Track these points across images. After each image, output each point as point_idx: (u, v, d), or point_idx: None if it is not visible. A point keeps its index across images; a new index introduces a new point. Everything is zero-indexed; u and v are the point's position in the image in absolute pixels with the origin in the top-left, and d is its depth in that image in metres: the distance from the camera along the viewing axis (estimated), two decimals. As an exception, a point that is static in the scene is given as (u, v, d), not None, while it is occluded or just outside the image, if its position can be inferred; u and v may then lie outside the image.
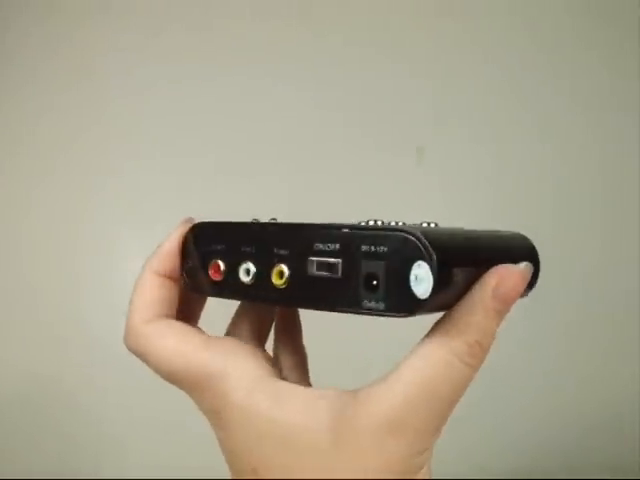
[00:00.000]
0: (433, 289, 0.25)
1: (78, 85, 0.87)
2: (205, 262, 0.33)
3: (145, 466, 0.82)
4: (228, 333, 0.35)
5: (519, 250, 0.32)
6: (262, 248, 0.31)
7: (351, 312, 0.28)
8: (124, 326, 0.33)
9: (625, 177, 0.86)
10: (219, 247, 0.33)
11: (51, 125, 0.87)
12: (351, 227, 0.28)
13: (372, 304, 0.27)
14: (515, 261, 0.28)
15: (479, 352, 0.27)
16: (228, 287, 0.32)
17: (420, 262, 0.25)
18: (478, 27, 0.86)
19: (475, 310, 0.27)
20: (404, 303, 0.26)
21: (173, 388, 0.32)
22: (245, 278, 0.31)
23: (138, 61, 0.88)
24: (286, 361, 0.35)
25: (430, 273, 0.25)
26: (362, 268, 0.27)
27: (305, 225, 0.29)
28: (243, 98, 0.87)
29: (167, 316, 0.33)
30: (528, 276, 0.27)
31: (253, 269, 0.31)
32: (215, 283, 0.33)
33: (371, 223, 0.28)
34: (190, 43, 0.87)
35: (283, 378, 0.33)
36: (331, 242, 0.28)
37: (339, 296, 0.28)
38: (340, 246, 0.28)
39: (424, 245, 0.25)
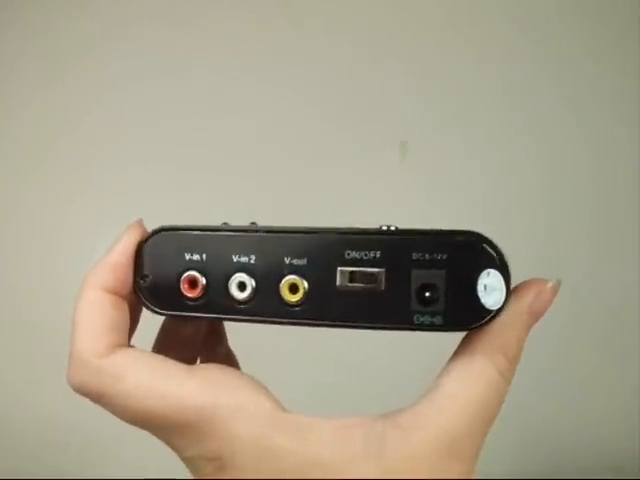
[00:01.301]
0: (506, 299, 0.23)
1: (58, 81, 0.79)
2: (175, 276, 0.26)
3: (130, 466, 0.75)
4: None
5: None
6: (266, 257, 0.26)
7: (396, 329, 0.24)
8: (68, 362, 0.25)
9: (618, 173, 0.84)
10: (195, 257, 0.26)
11: (33, 124, 0.80)
12: (395, 232, 0.24)
13: (426, 319, 0.24)
14: None
15: (515, 366, 0.26)
16: (211, 305, 0.26)
17: (490, 270, 0.23)
18: (464, 19, 0.84)
19: (514, 324, 0.25)
20: (471, 316, 0.23)
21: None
22: (239, 294, 0.26)
23: (110, 56, 0.79)
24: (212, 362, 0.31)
25: (503, 282, 0.23)
26: (413, 278, 0.24)
27: (330, 230, 0.25)
28: (217, 93, 0.80)
29: (125, 344, 0.26)
30: (558, 291, 0.27)
31: (251, 283, 0.26)
32: (191, 300, 0.26)
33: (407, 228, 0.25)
34: (165, 36, 0.79)
35: None
36: (369, 249, 0.24)
37: (381, 311, 0.24)
38: (382, 253, 0.24)
39: (496, 251, 0.23)
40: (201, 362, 0.32)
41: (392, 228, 0.25)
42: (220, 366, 0.26)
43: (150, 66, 0.79)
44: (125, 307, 0.27)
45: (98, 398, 0.25)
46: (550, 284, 0.26)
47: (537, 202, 0.83)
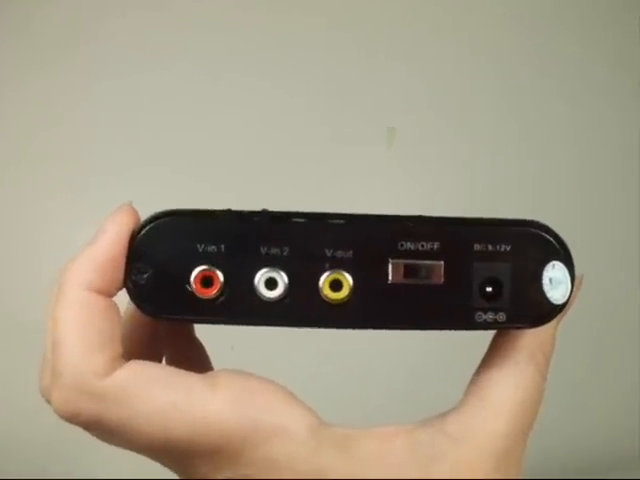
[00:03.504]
0: (571, 292, 0.22)
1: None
2: (184, 270, 0.22)
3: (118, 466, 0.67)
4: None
5: None
6: (303, 249, 0.22)
7: (456, 328, 0.22)
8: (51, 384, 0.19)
9: (616, 170, 0.82)
10: (211, 248, 0.22)
11: (12, 112, 0.73)
12: (455, 221, 0.22)
13: (489, 316, 0.22)
14: None
15: (549, 365, 0.25)
16: (233, 307, 0.22)
17: (555, 262, 0.22)
18: (452, 4, 0.80)
19: (552, 322, 0.25)
20: (537, 312, 0.22)
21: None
22: (268, 292, 0.22)
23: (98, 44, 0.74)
24: (182, 357, 0.28)
25: (568, 275, 0.22)
26: (475, 272, 0.22)
27: (381, 217, 0.22)
28: (201, 84, 0.74)
29: (123, 357, 0.21)
30: (581, 287, 0.27)
31: (283, 279, 0.22)
32: (205, 302, 0.22)
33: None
34: (150, 26, 0.74)
35: None
36: (427, 239, 0.22)
37: (440, 310, 0.22)
38: (441, 244, 0.22)
39: (560, 242, 0.22)
40: (167, 355, 0.28)
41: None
42: (241, 373, 0.22)
43: (136, 58, 0.74)
44: (117, 311, 0.21)
45: (102, 429, 0.19)
46: (579, 278, 0.26)
47: (529, 192, 0.80)
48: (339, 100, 0.78)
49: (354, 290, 0.22)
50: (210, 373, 0.22)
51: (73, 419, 0.19)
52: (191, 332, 0.29)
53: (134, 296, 0.21)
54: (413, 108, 0.79)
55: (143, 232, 0.22)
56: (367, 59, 0.79)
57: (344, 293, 0.22)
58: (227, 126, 0.75)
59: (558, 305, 0.22)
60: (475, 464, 0.22)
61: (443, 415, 0.23)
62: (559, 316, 0.24)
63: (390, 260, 0.22)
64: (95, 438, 0.21)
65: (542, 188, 0.80)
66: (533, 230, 0.22)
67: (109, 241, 0.21)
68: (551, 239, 0.22)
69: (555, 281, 0.22)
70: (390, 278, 0.22)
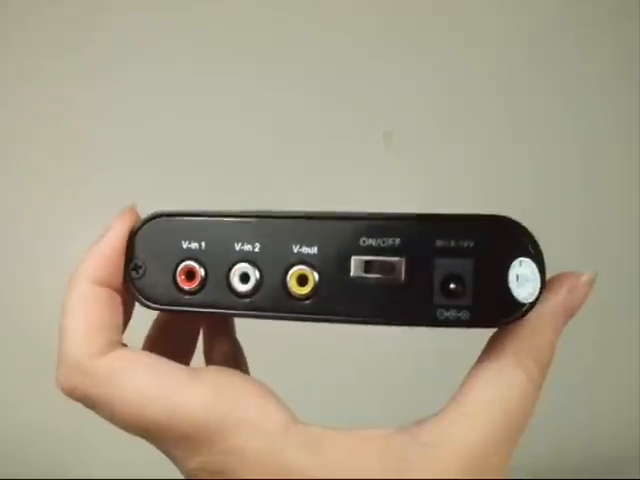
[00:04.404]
0: (540, 290, 0.21)
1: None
2: (170, 265, 0.24)
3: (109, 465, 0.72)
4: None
5: None
6: (271, 245, 0.23)
7: (417, 325, 0.22)
8: (57, 363, 0.23)
9: (615, 169, 0.81)
10: (194, 245, 0.24)
11: (10, 113, 0.76)
12: (416, 217, 0.22)
13: (451, 314, 0.21)
14: None
15: (546, 372, 0.23)
16: (210, 298, 0.24)
17: (523, 259, 0.21)
18: (449, 8, 0.81)
19: (546, 326, 0.23)
20: (501, 310, 0.21)
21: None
22: (241, 286, 0.23)
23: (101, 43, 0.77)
24: (219, 355, 0.30)
25: (537, 272, 0.21)
26: (437, 268, 0.22)
27: (344, 215, 0.23)
28: (198, 84, 0.77)
29: (120, 344, 0.23)
30: (593, 286, 0.25)
31: (255, 274, 0.23)
32: (187, 293, 0.24)
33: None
34: (152, 26, 0.76)
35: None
36: (387, 236, 0.22)
37: (401, 305, 0.22)
38: (402, 241, 0.22)
39: (529, 238, 0.21)
40: (205, 356, 0.30)
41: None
42: (227, 370, 0.24)
43: (133, 55, 0.77)
44: (118, 302, 0.24)
45: (92, 404, 0.22)
46: (585, 277, 0.24)
47: (525, 193, 0.79)
48: (337, 102, 0.79)
49: (319, 285, 0.22)
50: (198, 367, 0.24)
51: (71, 394, 0.22)
52: (232, 332, 0.31)
53: (132, 290, 0.24)
54: (410, 111, 0.79)
55: (138, 232, 0.24)
56: (366, 62, 0.79)
57: (309, 288, 0.23)
58: (227, 128, 0.77)
59: (525, 304, 0.21)
60: (444, 474, 0.21)
61: (422, 421, 0.22)
62: (560, 321, 0.23)
63: (352, 256, 0.22)
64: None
65: (538, 189, 0.79)
66: (499, 226, 0.21)
67: (111, 239, 0.24)
68: (518, 235, 0.21)
69: (522, 278, 0.21)
70: (352, 274, 0.22)
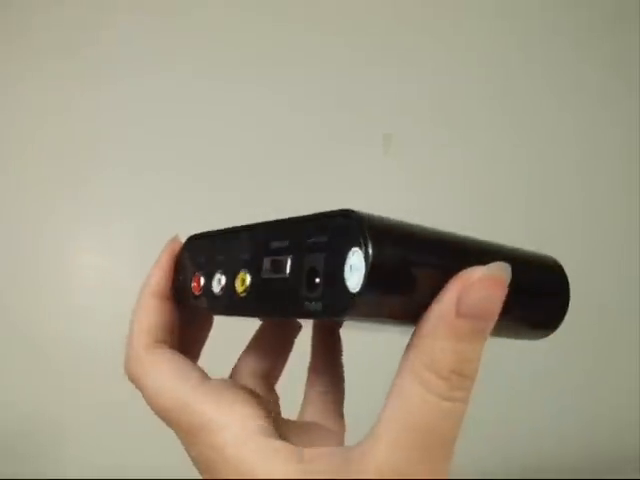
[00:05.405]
0: (367, 280, 0.20)
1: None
2: (190, 276, 0.31)
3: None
4: (235, 369, 0.33)
5: (536, 272, 0.26)
6: (229, 255, 0.28)
7: (295, 317, 0.24)
8: (125, 355, 0.32)
9: (613, 170, 0.80)
10: (201, 259, 0.30)
11: (10, 115, 0.80)
12: (292, 220, 0.24)
13: (312, 305, 0.23)
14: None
15: (460, 383, 0.22)
16: (205, 300, 0.30)
17: (355, 249, 0.21)
18: (448, 12, 0.80)
19: (437, 332, 0.21)
20: (340, 301, 0.21)
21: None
22: (217, 289, 0.29)
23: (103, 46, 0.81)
24: (319, 384, 0.33)
25: (363, 261, 0.21)
26: (305, 264, 0.23)
27: (261, 224, 0.26)
28: (198, 88, 0.81)
29: (166, 343, 0.31)
30: (505, 278, 0.21)
31: (223, 279, 0.28)
32: (195, 297, 0.30)
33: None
34: (155, 30, 0.80)
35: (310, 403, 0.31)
36: (282, 238, 0.25)
37: (285, 299, 0.24)
38: (290, 241, 0.24)
39: (362, 226, 0.21)
40: (314, 344, 0.34)
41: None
42: (230, 382, 0.29)
43: (133, 58, 0.79)
44: (169, 309, 0.32)
45: (137, 384, 0.30)
46: (479, 274, 0.21)
47: (525, 196, 0.79)
48: (337, 106, 0.79)
49: (250, 285, 0.26)
50: (212, 378, 0.29)
51: (127, 375, 0.31)
52: (336, 329, 0.35)
53: (174, 296, 0.32)
54: (409, 114, 0.79)
55: (180, 252, 0.32)
56: (365, 66, 0.80)
57: (243, 288, 0.27)
58: (227, 130, 0.77)
59: (353, 293, 0.21)
60: None
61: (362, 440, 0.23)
62: (458, 327, 0.21)
63: (264, 258, 0.26)
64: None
65: (536, 192, 0.81)
66: (341, 219, 0.22)
67: (162, 262, 0.33)
68: (354, 226, 0.21)
69: (354, 268, 0.21)
70: (263, 274, 0.26)
